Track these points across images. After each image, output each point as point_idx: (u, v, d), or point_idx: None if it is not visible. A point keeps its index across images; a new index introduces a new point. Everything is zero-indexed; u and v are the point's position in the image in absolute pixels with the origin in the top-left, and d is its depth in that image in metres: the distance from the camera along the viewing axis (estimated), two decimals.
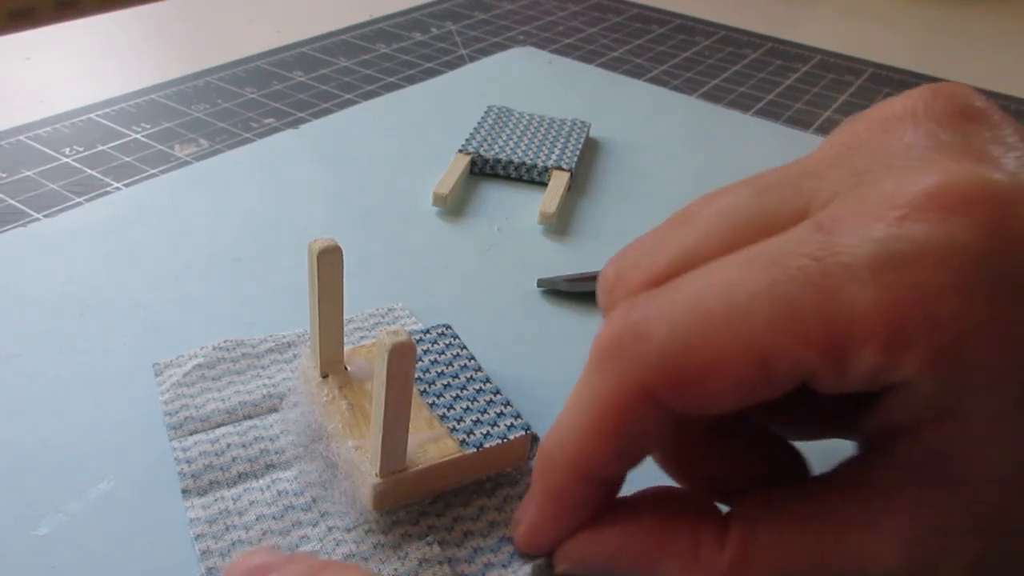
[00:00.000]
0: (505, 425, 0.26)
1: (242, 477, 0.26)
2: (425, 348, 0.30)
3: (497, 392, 0.28)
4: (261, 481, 0.26)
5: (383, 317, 0.33)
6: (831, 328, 0.17)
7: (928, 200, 0.18)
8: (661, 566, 0.21)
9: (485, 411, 0.27)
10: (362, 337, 0.32)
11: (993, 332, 0.17)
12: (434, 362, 0.29)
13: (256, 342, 0.31)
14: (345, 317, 0.29)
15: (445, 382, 0.28)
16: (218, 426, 0.28)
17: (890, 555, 0.19)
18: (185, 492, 0.26)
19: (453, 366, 0.29)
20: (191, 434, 0.28)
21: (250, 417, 0.29)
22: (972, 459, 0.18)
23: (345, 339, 0.28)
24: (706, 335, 0.18)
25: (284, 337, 0.32)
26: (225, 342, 0.31)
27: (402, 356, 0.22)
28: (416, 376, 0.29)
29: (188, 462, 0.27)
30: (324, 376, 0.28)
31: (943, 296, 0.17)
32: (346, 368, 0.28)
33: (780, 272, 0.18)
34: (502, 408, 0.27)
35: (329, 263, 0.26)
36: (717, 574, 0.20)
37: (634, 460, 0.21)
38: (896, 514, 0.19)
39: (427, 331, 0.31)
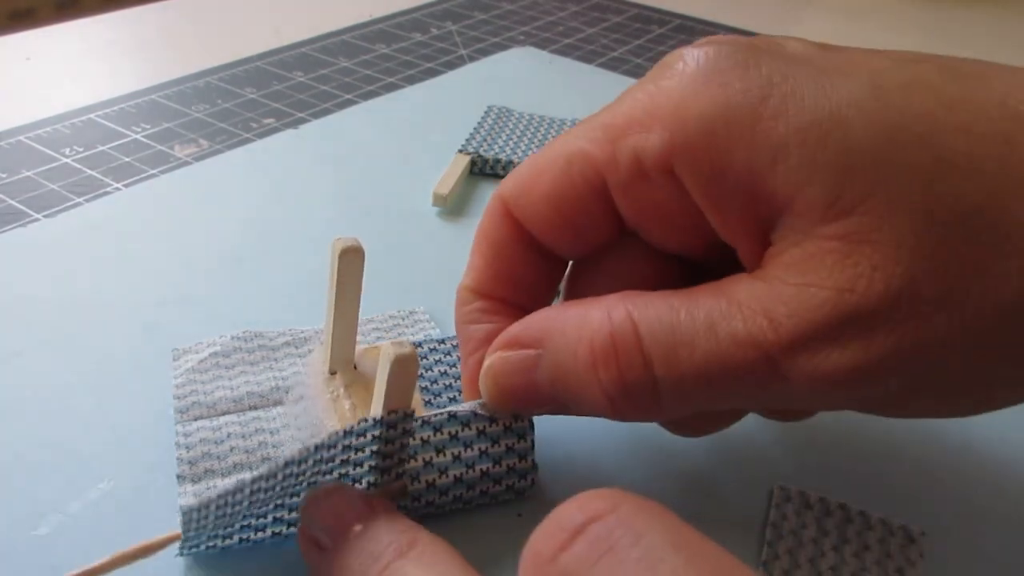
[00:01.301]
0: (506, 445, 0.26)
1: (237, 468, 0.26)
2: (438, 358, 0.30)
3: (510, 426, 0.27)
4: (255, 474, 0.26)
5: (403, 320, 0.33)
6: (611, 129, 0.24)
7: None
8: (566, 321, 0.24)
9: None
10: (379, 338, 0.32)
11: (709, 102, 0.22)
12: (444, 373, 0.29)
13: (274, 335, 0.32)
14: (365, 317, 0.30)
15: (452, 395, 0.28)
16: (222, 414, 0.28)
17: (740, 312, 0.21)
18: (180, 478, 0.26)
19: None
20: (195, 419, 0.28)
21: (255, 408, 0.29)
22: (784, 209, 0.21)
23: (361, 339, 0.28)
24: (543, 151, 0.25)
25: (303, 332, 0.32)
26: (244, 332, 0.31)
27: (404, 368, 0.22)
28: (423, 385, 0.29)
29: (187, 447, 0.27)
30: (332, 373, 0.28)
31: (676, 86, 0.23)
32: (355, 367, 0.28)
33: (600, 113, 0.25)
34: (512, 444, 0.26)
35: (350, 263, 0.26)
36: (613, 301, 0.23)
37: (512, 282, 0.26)
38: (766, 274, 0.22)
39: (443, 340, 0.30)
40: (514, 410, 0.25)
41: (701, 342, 0.21)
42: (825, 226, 0.21)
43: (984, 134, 0.20)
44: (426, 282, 0.36)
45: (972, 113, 0.21)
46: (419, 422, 0.24)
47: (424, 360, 0.30)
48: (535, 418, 0.27)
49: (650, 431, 0.29)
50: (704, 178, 0.22)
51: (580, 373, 0.23)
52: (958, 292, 0.20)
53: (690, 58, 0.23)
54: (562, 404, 0.24)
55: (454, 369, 0.29)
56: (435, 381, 0.29)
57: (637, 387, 0.22)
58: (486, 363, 0.25)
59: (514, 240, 0.26)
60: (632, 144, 0.23)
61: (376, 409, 0.23)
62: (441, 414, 0.25)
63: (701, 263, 0.25)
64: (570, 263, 0.27)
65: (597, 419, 0.29)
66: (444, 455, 0.25)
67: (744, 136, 0.21)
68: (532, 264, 0.26)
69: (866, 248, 0.20)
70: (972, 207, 0.20)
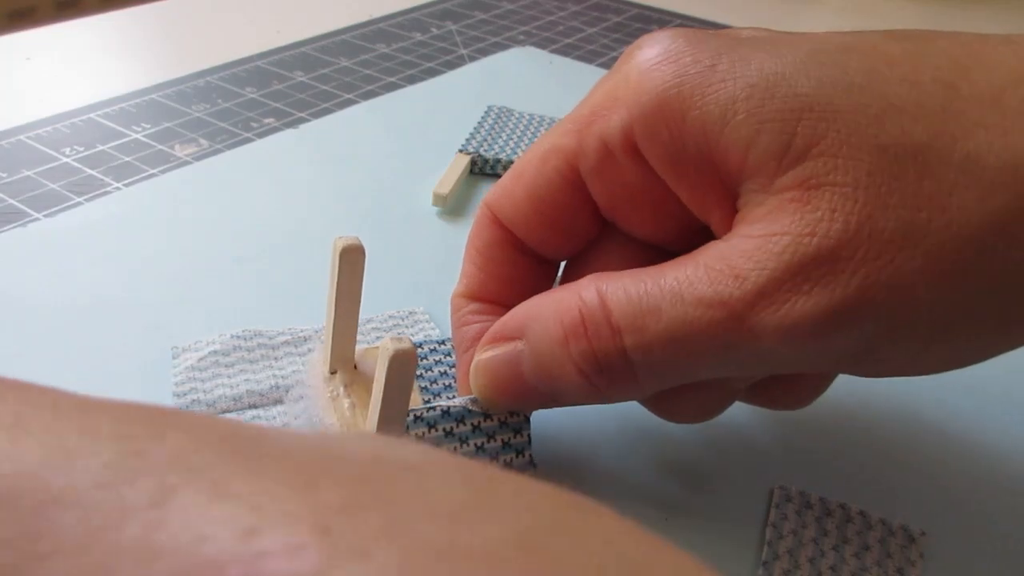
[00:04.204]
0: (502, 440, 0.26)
1: None
2: (438, 359, 0.30)
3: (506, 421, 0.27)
4: None
5: (403, 320, 0.33)
6: (579, 121, 0.25)
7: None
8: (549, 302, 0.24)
9: None
10: (378, 338, 0.32)
11: (661, 76, 0.23)
12: (443, 374, 0.29)
13: (273, 333, 0.32)
14: (364, 317, 0.30)
15: (451, 395, 0.28)
16: (222, 412, 0.28)
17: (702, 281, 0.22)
18: None
19: None
20: None
21: (255, 407, 0.29)
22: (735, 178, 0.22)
23: (361, 339, 0.28)
24: (523, 155, 0.26)
25: (302, 331, 0.32)
26: (244, 331, 0.31)
27: (402, 364, 0.22)
28: (423, 386, 0.29)
29: None
30: (332, 372, 0.28)
31: (634, 69, 0.24)
32: (355, 367, 0.28)
33: (572, 110, 0.26)
34: (509, 439, 0.26)
35: (351, 261, 0.26)
36: (585, 281, 0.24)
37: (503, 285, 0.27)
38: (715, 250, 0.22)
39: (443, 341, 0.30)
40: (505, 405, 0.25)
41: (667, 308, 0.22)
42: (782, 177, 0.21)
43: (926, 83, 0.21)
44: (426, 282, 0.36)
45: (913, 66, 0.21)
46: (411, 417, 0.24)
47: (424, 360, 0.30)
48: (532, 417, 0.27)
49: (650, 428, 0.29)
50: (663, 148, 0.23)
51: (555, 353, 0.23)
52: (918, 226, 0.20)
53: (646, 44, 0.24)
54: (548, 393, 0.24)
55: (454, 370, 0.29)
56: (435, 381, 0.29)
57: (608, 359, 0.22)
58: (474, 360, 0.25)
59: (502, 243, 0.26)
60: (598, 130, 0.24)
61: (375, 405, 0.23)
62: (434, 409, 0.25)
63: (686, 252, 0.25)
64: (562, 264, 0.27)
65: (596, 416, 0.29)
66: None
67: (695, 100, 0.22)
68: (522, 266, 0.27)
69: (824, 191, 0.20)
70: (922, 143, 0.20)
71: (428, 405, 0.25)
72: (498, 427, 0.25)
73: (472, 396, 0.25)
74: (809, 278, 0.20)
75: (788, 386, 0.26)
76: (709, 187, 0.23)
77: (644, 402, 0.26)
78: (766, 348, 0.21)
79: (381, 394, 0.23)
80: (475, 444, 0.25)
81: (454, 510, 0.11)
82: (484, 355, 0.25)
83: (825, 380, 0.27)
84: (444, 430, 0.25)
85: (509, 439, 0.25)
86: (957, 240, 0.20)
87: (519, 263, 0.27)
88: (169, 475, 0.11)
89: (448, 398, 0.28)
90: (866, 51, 0.22)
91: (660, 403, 0.26)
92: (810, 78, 0.21)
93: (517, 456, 0.25)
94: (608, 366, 0.23)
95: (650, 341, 0.22)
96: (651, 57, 0.23)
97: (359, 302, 0.27)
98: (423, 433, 0.25)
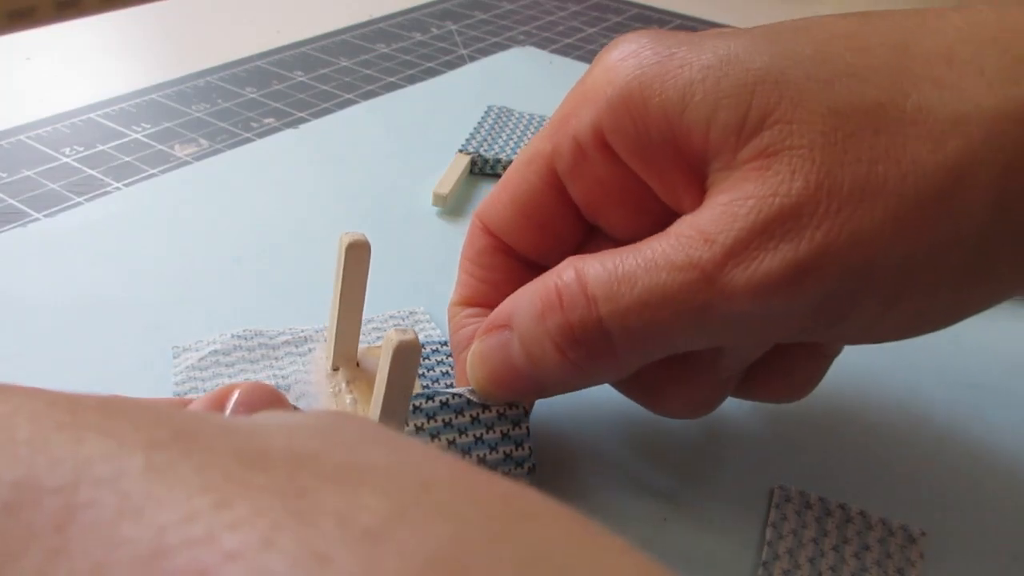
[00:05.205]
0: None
1: None
2: (439, 359, 0.30)
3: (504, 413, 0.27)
4: None
5: (403, 320, 0.33)
6: (555, 124, 0.25)
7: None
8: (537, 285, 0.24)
9: None
10: (378, 338, 0.32)
11: (624, 71, 0.24)
12: (445, 374, 0.29)
13: (274, 333, 0.32)
14: (365, 317, 0.30)
15: None
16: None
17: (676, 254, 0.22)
18: None
19: None
20: None
21: None
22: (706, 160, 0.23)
23: (362, 338, 0.28)
24: (511, 165, 0.27)
25: (302, 331, 0.32)
26: (244, 331, 0.31)
27: (406, 356, 0.22)
28: (425, 385, 0.29)
29: None
30: (335, 369, 0.28)
31: (601, 70, 0.24)
32: (358, 364, 0.28)
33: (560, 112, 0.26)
34: (508, 430, 0.26)
35: (356, 257, 0.26)
36: (565, 263, 0.24)
37: (496, 290, 0.27)
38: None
39: (444, 342, 0.30)
40: (500, 394, 0.26)
41: (642, 275, 0.22)
42: (742, 150, 0.22)
43: (876, 47, 0.22)
44: (426, 282, 0.36)
45: (864, 36, 0.22)
46: (411, 407, 0.25)
47: (426, 360, 0.30)
48: (533, 417, 0.27)
49: (650, 428, 0.29)
50: (630, 139, 0.24)
51: (535, 331, 0.24)
52: (875, 180, 0.20)
53: (613, 46, 0.25)
54: (535, 378, 0.25)
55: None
56: (436, 381, 0.29)
57: (584, 330, 0.23)
58: (470, 351, 0.26)
59: (493, 251, 0.27)
60: (570, 130, 0.25)
61: (377, 397, 0.23)
62: (433, 400, 0.25)
63: None
64: None
65: (596, 415, 0.29)
66: (438, 441, 0.25)
67: (655, 88, 0.23)
68: (515, 271, 0.27)
69: (783, 156, 0.21)
70: (874, 102, 0.21)
71: (427, 393, 0.25)
72: (496, 419, 0.25)
73: (470, 388, 0.26)
74: (774, 236, 0.21)
75: (783, 375, 0.26)
76: (677, 172, 0.23)
77: (636, 396, 0.26)
78: (737, 308, 0.21)
79: (384, 386, 0.23)
80: (474, 435, 0.25)
81: (371, 528, 0.11)
82: (477, 344, 0.26)
83: (819, 368, 0.27)
84: (443, 421, 0.25)
85: (508, 431, 0.25)
86: (913, 192, 0.20)
87: (512, 268, 0.27)
88: (77, 491, 0.11)
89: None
90: (819, 28, 0.23)
91: (649, 394, 0.26)
92: (762, 54, 0.22)
93: (516, 448, 0.26)
94: (584, 338, 0.23)
95: (626, 308, 0.22)
96: (616, 56, 0.24)
97: (363, 298, 0.27)
98: (423, 424, 0.25)
